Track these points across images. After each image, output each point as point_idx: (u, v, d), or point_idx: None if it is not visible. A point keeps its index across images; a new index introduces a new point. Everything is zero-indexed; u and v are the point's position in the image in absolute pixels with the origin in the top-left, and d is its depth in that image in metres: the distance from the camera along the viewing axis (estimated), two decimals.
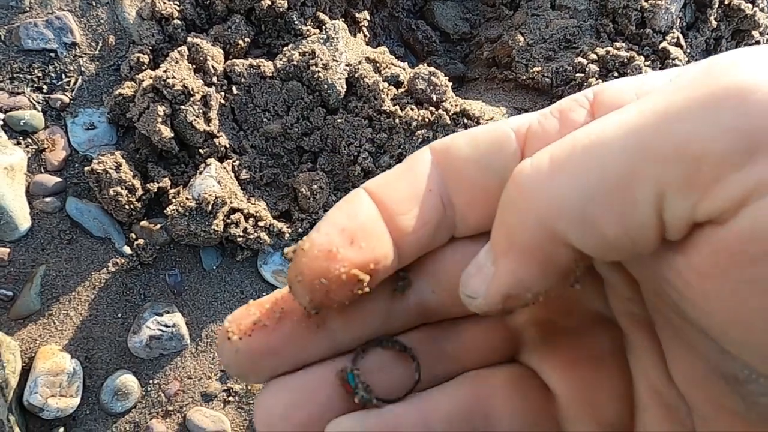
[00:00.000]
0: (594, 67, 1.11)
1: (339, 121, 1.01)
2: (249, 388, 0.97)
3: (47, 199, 0.97)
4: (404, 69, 1.05)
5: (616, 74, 1.11)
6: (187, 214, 0.93)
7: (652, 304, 0.25)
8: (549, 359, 0.27)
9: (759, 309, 0.18)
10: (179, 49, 0.99)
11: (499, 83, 1.22)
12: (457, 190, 0.26)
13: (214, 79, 1.01)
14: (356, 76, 1.01)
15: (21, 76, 1.01)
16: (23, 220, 0.94)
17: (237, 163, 1.00)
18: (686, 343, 0.24)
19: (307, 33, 1.06)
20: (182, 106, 0.96)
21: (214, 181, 0.95)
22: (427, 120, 1.00)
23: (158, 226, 0.97)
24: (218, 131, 1.00)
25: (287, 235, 0.98)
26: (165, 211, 0.94)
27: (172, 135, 0.96)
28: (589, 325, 0.27)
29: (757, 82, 0.18)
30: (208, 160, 0.98)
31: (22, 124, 0.98)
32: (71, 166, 1.00)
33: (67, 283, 0.95)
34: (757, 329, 0.19)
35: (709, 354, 0.23)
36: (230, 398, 0.96)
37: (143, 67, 1.01)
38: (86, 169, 0.94)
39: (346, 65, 1.02)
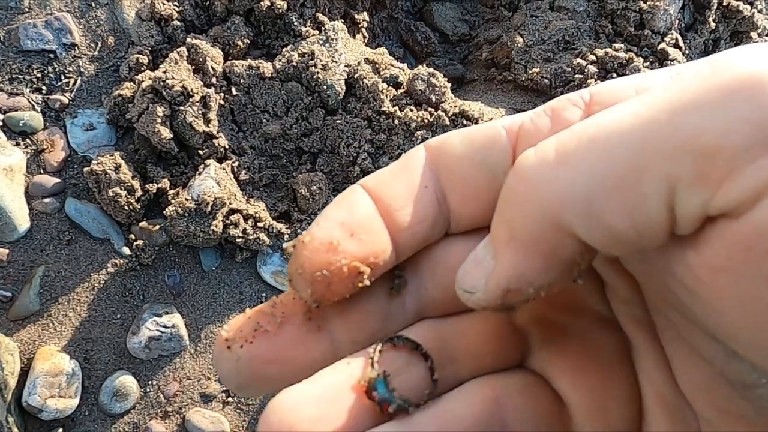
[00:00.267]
0: (593, 68, 1.11)
1: (338, 121, 1.01)
2: None
3: (46, 200, 0.97)
4: (403, 70, 1.05)
5: (614, 75, 1.11)
6: (187, 214, 0.93)
7: (655, 305, 0.25)
8: (557, 364, 0.26)
9: None
10: (178, 50, 0.99)
11: (498, 84, 1.22)
12: (451, 188, 0.26)
13: (214, 80, 1.01)
14: (355, 77, 1.01)
15: (20, 76, 1.01)
16: (22, 221, 0.94)
17: (236, 163, 1.00)
18: (690, 347, 0.23)
19: (307, 34, 1.06)
20: (181, 107, 0.96)
21: (214, 181, 0.95)
22: (426, 121, 1.00)
23: (157, 226, 0.97)
24: (217, 132, 1.00)
25: (286, 235, 0.98)
26: (164, 211, 0.94)
27: (172, 136, 0.96)
28: (595, 327, 0.27)
29: None
30: (208, 161, 0.98)
31: (21, 124, 0.98)
32: (70, 167, 1.00)
33: (66, 283, 0.95)
34: None
35: (715, 358, 0.22)
36: (229, 399, 0.96)
37: (142, 68, 1.02)
38: (85, 169, 0.94)
39: (346, 66, 1.02)
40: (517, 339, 0.27)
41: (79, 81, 1.03)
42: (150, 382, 0.95)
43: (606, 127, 0.20)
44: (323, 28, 1.05)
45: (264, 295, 1.00)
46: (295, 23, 1.06)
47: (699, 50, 1.24)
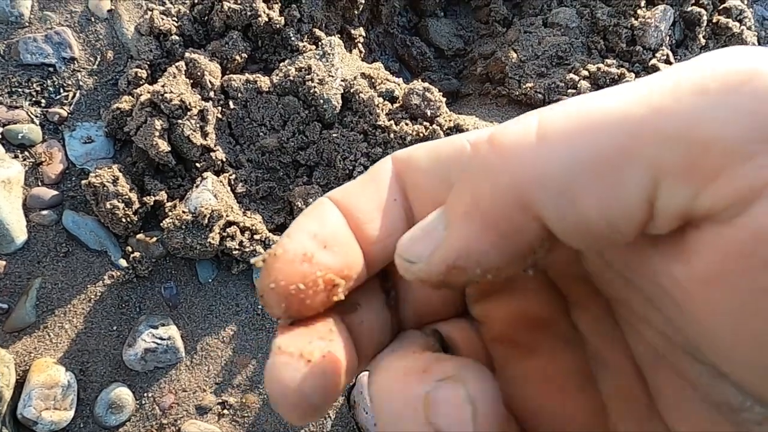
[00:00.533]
0: (585, 84, 1.13)
1: (334, 135, 1.02)
2: (243, 401, 0.97)
3: (44, 212, 0.97)
4: (399, 84, 1.06)
5: None
6: (184, 227, 0.94)
7: (629, 324, 0.24)
8: (518, 387, 0.25)
9: (764, 320, 0.16)
10: (177, 64, 1.01)
11: (492, 99, 1.24)
12: (417, 202, 0.25)
13: (211, 93, 1.02)
14: (352, 91, 1.03)
15: (19, 90, 1.02)
16: (19, 233, 0.95)
17: (233, 176, 1.01)
18: (671, 368, 0.22)
19: (304, 49, 1.07)
20: (179, 121, 0.97)
21: (211, 194, 0.96)
22: (421, 134, 1.01)
23: (154, 239, 0.97)
24: (215, 145, 1.01)
25: None
26: (161, 224, 0.95)
27: (169, 149, 0.97)
28: (560, 348, 0.25)
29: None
30: (205, 174, 0.99)
31: (19, 137, 0.99)
32: (68, 180, 1.00)
33: (62, 295, 0.95)
34: (761, 342, 0.17)
35: (698, 380, 0.21)
36: (225, 411, 0.96)
37: (141, 82, 1.03)
38: (83, 182, 0.95)
39: (342, 80, 1.03)
40: (486, 358, 0.26)
41: (78, 94, 1.04)
42: (145, 394, 0.95)
43: (596, 108, 0.18)
44: (320, 43, 1.07)
45: (260, 307, 1.01)
46: (293, 38, 1.07)
47: None
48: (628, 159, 0.17)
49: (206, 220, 0.93)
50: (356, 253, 0.24)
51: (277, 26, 1.05)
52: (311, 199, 1.00)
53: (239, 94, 1.03)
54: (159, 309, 0.98)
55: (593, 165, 0.18)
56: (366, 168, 1.01)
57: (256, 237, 0.97)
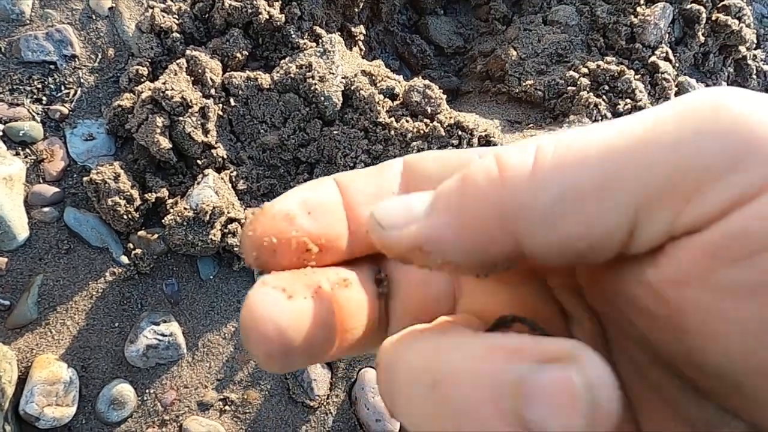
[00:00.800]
0: (585, 81, 1.13)
1: (335, 132, 1.02)
2: (245, 397, 0.98)
3: (45, 209, 0.98)
4: (399, 82, 1.07)
5: (606, 87, 1.13)
6: (185, 223, 0.94)
7: (616, 342, 0.24)
8: None
9: (740, 318, 0.17)
10: (178, 61, 1.01)
11: (492, 96, 1.24)
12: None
13: (212, 91, 1.02)
14: (352, 88, 1.03)
15: (21, 87, 1.02)
16: (21, 230, 0.95)
17: (234, 173, 1.02)
18: (651, 387, 0.22)
19: (304, 46, 1.07)
20: (180, 118, 0.97)
21: (212, 191, 0.96)
22: (422, 132, 1.01)
23: (156, 235, 0.98)
24: (216, 142, 1.01)
25: None
26: (163, 221, 0.95)
27: (171, 146, 0.97)
28: None
29: (733, 97, 0.19)
30: (206, 171, 0.99)
31: (21, 134, 0.99)
32: (70, 177, 1.01)
33: (64, 292, 0.95)
34: (736, 340, 0.18)
35: (677, 399, 0.21)
36: (226, 407, 0.97)
37: (142, 79, 1.03)
38: (85, 179, 0.95)
39: (343, 78, 1.04)
40: None
41: (79, 92, 1.04)
42: (147, 391, 0.95)
43: (586, 141, 0.20)
44: (320, 40, 1.07)
45: None
46: (293, 36, 1.08)
47: (689, 63, 1.27)
48: (614, 187, 0.19)
49: (207, 217, 0.94)
50: (340, 227, 0.25)
51: (278, 24, 1.06)
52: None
53: (240, 92, 1.03)
54: (160, 305, 0.98)
55: (578, 194, 0.19)
56: (366, 165, 1.01)
57: None
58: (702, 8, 1.23)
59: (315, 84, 1.01)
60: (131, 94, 1.02)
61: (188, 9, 1.08)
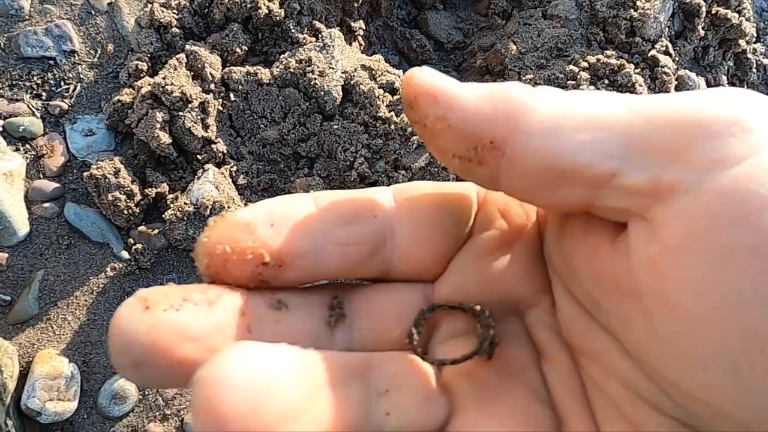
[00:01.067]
0: (585, 75, 1.13)
1: (335, 127, 1.02)
2: None
3: (46, 205, 0.98)
4: (399, 76, 1.07)
5: (606, 81, 1.13)
6: (185, 218, 0.94)
7: (592, 378, 0.24)
8: (483, 427, 0.23)
9: (737, 282, 0.17)
10: (177, 56, 1.01)
11: None
12: (407, 225, 0.25)
13: (212, 86, 1.02)
14: (352, 83, 1.03)
15: (20, 83, 1.02)
16: (22, 226, 0.95)
17: (234, 168, 1.02)
18: (630, 426, 0.22)
19: (304, 41, 1.07)
20: (180, 113, 0.97)
21: (212, 186, 0.96)
22: None
23: (156, 230, 0.98)
24: (216, 137, 1.01)
25: None
26: (163, 216, 0.95)
27: (171, 141, 0.97)
28: (528, 398, 0.25)
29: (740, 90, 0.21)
30: (206, 166, 0.99)
31: (21, 130, 0.99)
32: (70, 172, 1.01)
33: (65, 287, 0.95)
34: (731, 305, 0.17)
35: (656, 429, 0.21)
36: None
37: (142, 75, 1.03)
38: (85, 174, 0.95)
39: (342, 72, 1.04)
40: (442, 401, 0.24)
41: (78, 87, 1.04)
42: None
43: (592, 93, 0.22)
44: (320, 35, 1.07)
45: None
46: (293, 31, 1.08)
47: (689, 57, 1.27)
48: (605, 124, 0.20)
49: (208, 212, 0.94)
50: (304, 244, 0.23)
51: (277, 18, 1.06)
52: (312, 191, 1.00)
53: (240, 87, 1.03)
54: None
55: (576, 121, 0.21)
56: (367, 159, 1.01)
57: None
58: (702, 2, 1.23)
59: (315, 79, 1.01)
60: (131, 89, 1.02)
61: (187, 4, 1.08)
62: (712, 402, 0.19)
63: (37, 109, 1.02)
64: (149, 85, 0.97)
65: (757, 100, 0.20)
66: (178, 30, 1.06)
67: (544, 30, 1.21)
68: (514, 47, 1.21)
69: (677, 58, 1.22)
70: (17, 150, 0.99)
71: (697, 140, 0.19)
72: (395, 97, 1.04)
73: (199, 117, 0.99)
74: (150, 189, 0.98)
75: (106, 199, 0.95)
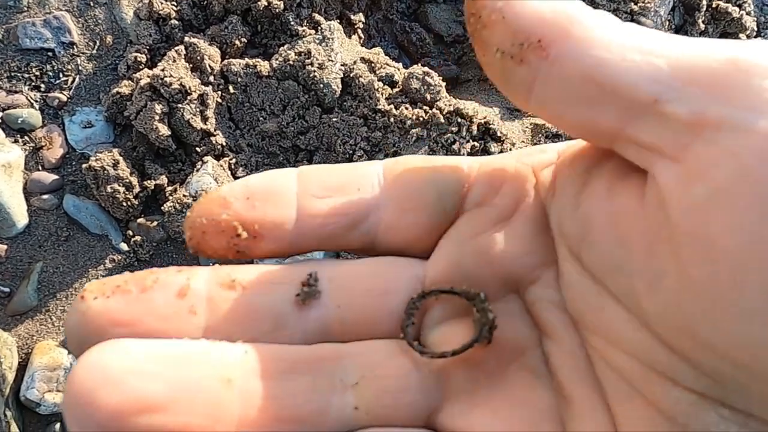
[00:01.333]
0: None
1: (334, 119, 1.02)
2: None
3: (44, 197, 0.98)
4: (399, 69, 1.07)
5: None
6: (185, 210, 0.94)
7: (599, 353, 0.23)
8: (473, 419, 0.23)
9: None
10: (176, 48, 1.01)
11: (491, 84, 1.24)
12: (391, 197, 0.25)
13: (211, 78, 1.02)
14: (351, 75, 1.03)
15: (19, 74, 1.02)
16: (21, 217, 0.95)
17: (233, 161, 1.02)
18: (642, 400, 0.22)
19: (303, 33, 1.07)
20: (179, 105, 0.97)
21: (211, 178, 0.96)
22: (421, 119, 1.01)
23: (155, 223, 0.98)
24: (215, 129, 1.01)
25: None
26: (162, 208, 0.95)
27: (169, 133, 0.97)
28: (527, 382, 0.24)
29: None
30: (205, 158, 0.99)
31: (19, 122, 0.99)
32: (69, 164, 1.01)
33: (64, 279, 0.96)
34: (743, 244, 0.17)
35: (675, 408, 0.21)
36: None
37: (140, 67, 1.03)
38: (84, 166, 0.95)
39: (342, 65, 1.03)
40: (427, 392, 0.24)
41: (77, 79, 1.04)
42: None
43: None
44: (319, 27, 1.07)
45: None
46: (292, 23, 1.07)
47: None
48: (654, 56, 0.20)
49: None
50: (280, 215, 0.24)
51: (277, 11, 1.05)
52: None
53: (239, 79, 1.03)
54: None
55: (639, 46, 0.21)
56: (366, 152, 1.01)
57: None
58: None
59: (314, 71, 1.00)
60: (130, 81, 1.02)
61: None
62: (749, 360, 0.18)
63: (36, 101, 1.02)
64: (148, 77, 0.97)
65: None
66: (177, 22, 1.06)
67: None
68: None
69: None
70: (16, 142, 0.99)
71: (748, 79, 0.18)
72: (394, 90, 1.04)
73: (198, 109, 0.99)
74: (149, 181, 0.98)
75: (105, 191, 0.95)
